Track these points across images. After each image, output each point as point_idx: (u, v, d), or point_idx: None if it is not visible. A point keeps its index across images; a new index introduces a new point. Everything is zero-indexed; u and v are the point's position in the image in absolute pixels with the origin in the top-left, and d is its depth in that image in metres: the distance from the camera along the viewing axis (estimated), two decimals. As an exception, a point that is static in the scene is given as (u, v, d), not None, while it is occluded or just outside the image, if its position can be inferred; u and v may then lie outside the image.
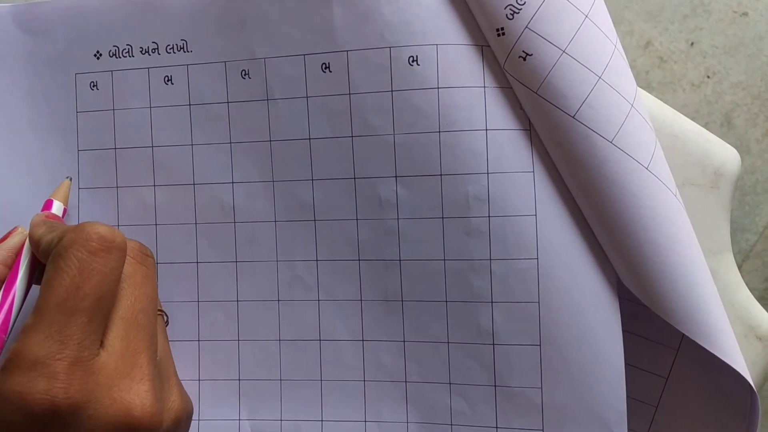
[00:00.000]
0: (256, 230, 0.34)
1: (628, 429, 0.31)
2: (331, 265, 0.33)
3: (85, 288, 0.27)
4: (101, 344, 0.27)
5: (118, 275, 0.28)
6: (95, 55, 0.35)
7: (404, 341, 0.33)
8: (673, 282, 0.30)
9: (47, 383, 0.25)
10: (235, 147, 0.33)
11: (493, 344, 0.32)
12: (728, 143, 0.35)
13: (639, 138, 0.30)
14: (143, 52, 0.34)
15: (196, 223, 0.34)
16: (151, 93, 0.34)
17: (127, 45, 0.34)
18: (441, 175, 0.31)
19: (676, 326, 0.30)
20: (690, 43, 0.39)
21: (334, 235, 0.33)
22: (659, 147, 0.31)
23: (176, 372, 0.32)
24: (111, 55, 0.34)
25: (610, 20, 0.31)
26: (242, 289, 0.34)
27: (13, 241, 0.31)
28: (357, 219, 0.33)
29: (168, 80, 0.34)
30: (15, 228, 0.32)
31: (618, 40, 0.31)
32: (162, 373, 0.30)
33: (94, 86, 0.35)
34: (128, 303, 0.29)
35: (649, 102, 0.34)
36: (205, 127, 0.34)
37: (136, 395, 0.27)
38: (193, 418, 0.33)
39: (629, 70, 0.31)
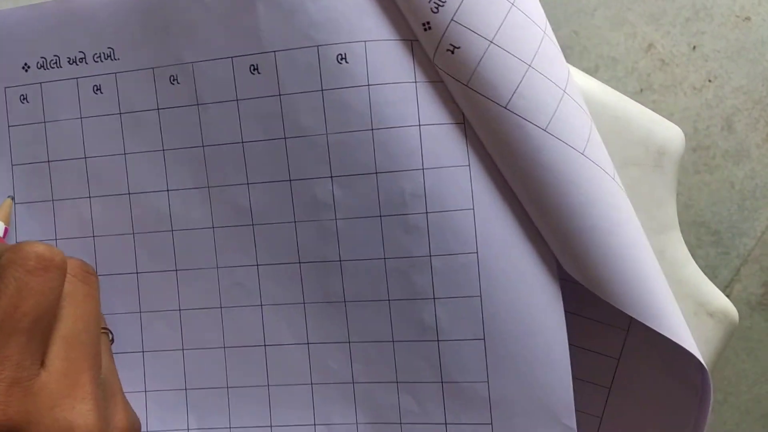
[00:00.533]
0: (194, 237, 0.33)
1: (583, 412, 0.31)
2: (272, 269, 0.33)
3: (23, 308, 0.26)
4: (42, 364, 0.27)
5: (57, 294, 0.28)
6: (23, 68, 0.34)
7: (349, 342, 0.32)
8: (615, 266, 0.30)
9: None
10: (167, 154, 0.33)
11: (438, 340, 0.31)
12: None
13: (573, 123, 0.30)
14: (71, 62, 0.33)
15: (133, 233, 0.33)
16: (81, 103, 0.33)
17: (55, 56, 0.34)
18: (376, 173, 0.31)
19: (622, 309, 0.30)
20: (692, 46, 0.39)
21: (272, 239, 0.32)
22: (595, 130, 0.31)
23: (122, 390, 0.32)
24: (39, 66, 0.34)
25: (539, 5, 0.31)
26: (183, 298, 0.33)
27: None
28: (295, 221, 0.32)
29: (97, 89, 0.33)
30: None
31: (548, 25, 0.31)
32: (106, 391, 0.30)
33: (24, 99, 0.34)
34: (69, 322, 0.28)
35: (591, 84, 0.34)
36: (137, 135, 0.33)
37: (78, 415, 0.27)
38: (141, 431, 0.33)
39: (560, 54, 0.31)
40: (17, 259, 0.27)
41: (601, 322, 0.34)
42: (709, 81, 0.40)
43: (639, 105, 0.35)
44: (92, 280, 0.30)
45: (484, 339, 0.31)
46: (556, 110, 0.29)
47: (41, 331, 0.27)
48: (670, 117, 0.34)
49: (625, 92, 0.35)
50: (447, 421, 0.32)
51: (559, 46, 0.31)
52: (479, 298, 0.31)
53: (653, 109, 0.35)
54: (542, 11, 0.31)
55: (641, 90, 0.39)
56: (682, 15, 0.39)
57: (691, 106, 0.37)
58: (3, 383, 0.25)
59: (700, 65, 0.40)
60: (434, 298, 0.31)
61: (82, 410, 0.27)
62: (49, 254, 0.27)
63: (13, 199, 0.34)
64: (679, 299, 0.32)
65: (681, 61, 0.39)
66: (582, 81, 0.34)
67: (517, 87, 0.29)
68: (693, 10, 0.39)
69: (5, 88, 0.34)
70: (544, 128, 0.29)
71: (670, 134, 0.35)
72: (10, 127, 0.34)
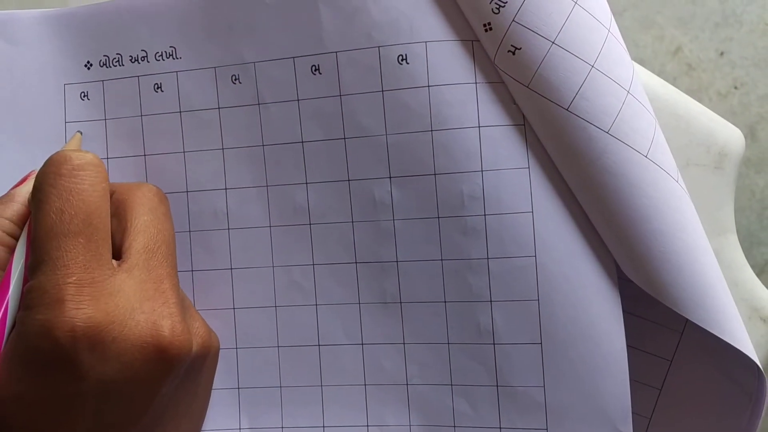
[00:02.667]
0: (250, 236, 0.33)
1: (632, 413, 0.30)
2: (328, 269, 0.33)
3: (68, 210, 0.27)
4: (120, 267, 0.27)
5: (101, 190, 0.28)
6: (85, 65, 0.34)
7: (404, 344, 0.32)
8: (678, 270, 0.29)
9: (62, 307, 0.25)
10: (227, 153, 0.33)
11: (494, 344, 0.31)
12: (751, 155, 0.35)
13: (637, 125, 0.29)
14: (133, 60, 0.34)
15: (190, 231, 0.34)
16: (142, 101, 0.34)
17: (117, 54, 0.34)
18: (435, 174, 0.31)
19: (684, 315, 0.29)
20: (720, 52, 0.39)
21: (329, 239, 0.32)
22: (659, 131, 0.30)
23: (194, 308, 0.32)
24: (101, 64, 0.34)
25: (605, 1, 0.31)
26: (238, 296, 0.33)
27: (31, 184, 0.30)
28: (352, 221, 0.32)
29: (158, 88, 0.34)
30: (32, 172, 0.31)
31: (613, 22, 0.30)
32: (184, 302, 0.30)
33: (84, 96, 0.34)
34: (153, 232, 0.29)
35: (653, 83, 0.34)
36: (197, 133, 0.33)
37: (161, 317, 0.27)
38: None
39: (626, 53, 0.30)
40: (49, 168, 0.28)
41: (655, 322, 0.33)
42: (735, 88, 0.39)
43: (699, 104, 0.34)
44: (168, 204, 0.31)
45: (541, 343, 0.31)
46: (619, 112, 0.29)
47: (98, 229, 0.27)
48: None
49: (643, 67, 0.34)
50: (501, 426, 0.31)
51: (623, 42, 0.30)
52: (537, 302, 0.30)
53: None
54: (607, 8, 0.30)
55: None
56: (712, 20, 0.39)
57: (715, 112, 0.37)
58: (73, 285, 0.25)
59: (727, 72, 0.39)
60: (491, 301, 0.31)
61: (164, 312, 0.27)
62: (80, 153, 0.28)
63: (81, 133, 0.34)
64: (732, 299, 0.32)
65: (708, 66, 0.39)
66: (643, 77, 0.34)
67: (580, 88, 0.29)
68: (722, 16, 0.39)
69: (64, 84, 0.35)
70: (607, 130, 0.29)
71: (731, 135, 0.34)
72: (67, 123, 0.35)
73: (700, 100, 0.38)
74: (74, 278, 0.26)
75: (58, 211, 0.26)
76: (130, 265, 0.28)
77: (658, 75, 0.38)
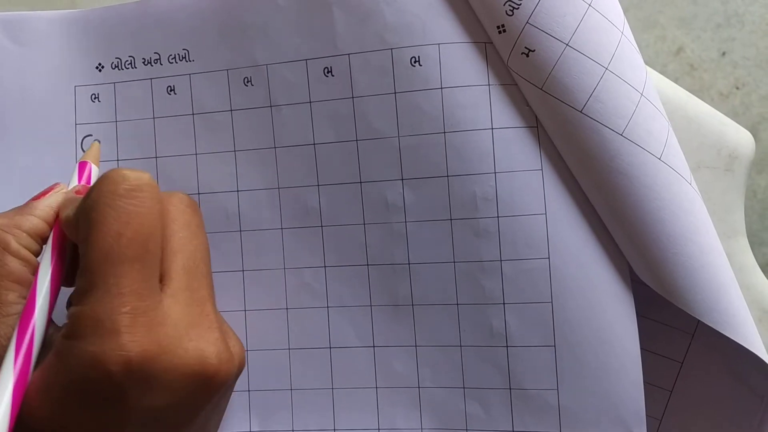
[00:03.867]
0: (262, 238, 0.33)
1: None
2: (339, 271, 0.32)
3: (127, 234, 0.25)
4: (163, 292, 0.26)
5: (156, 213, 0.26)
6: (97, 68, 0.34)
7: (416, 346, 0.32)
8: (691, 273, 0.29)
9: (117, 339, 0.24)
10: (239, 155, 0.33)
11: (507, 346, 0.31)
12: (753, 156, 0.35)
13: (650, 127, 0.29)
14: (146, 63, 0.34)
15: (202, 233, 0.34)
16: (154, 103, 0.34)
17: (130, 56, 0.34)
18: (447, 176, 0.31)
19: (696, 317, 0.29)
20: (721, 52, 0.39)
21: (341, 241, 0.32)
22: (672, 134, 0.30)
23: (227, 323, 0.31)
24: (113, 67, 0.34)
25: (618, 4, 0.30)
26: (250, 298, 0.33)
27: (53, 198, 0.29)
28: (364, 223, 0.32)
29: (171, 90, 0.34)
30: (55, 184, 0.30)
31: (626, 24, 0.30)
32: (222, 323, 0.29)
33: (95, 98, 0.34)
34: (190, 251, 0.28)
35: (663, 85, 0.34)
36: (209, 135, 0.33)
37: (207, 343, 0.26)
38: None
39: (638, 55, 0.30)
40: (106, 186, 0.26)
41: (666, 325, 0.33)
42: (737, 88, 0.39)
43: (710, 107, 0.35)
44: (200, 213, 0.30)
45: (554, 346, 0.30)
46: (633, 114, 0.29)
47: (152, 255, 0.26)
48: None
49: (653, 69, 0.34)
50: (514, 429, 0.31)
51: (636, 45, 0.30)
52: (550, 304, 0.30)
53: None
54: (620, 10, 0.30)
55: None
56: (714, 20, 0.39)
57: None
58: (129, 315, 0.24)
59: (729, 72, 0.39)
60: (504, 304, 0.31)
61: (210, 339, 0.27)
62: (137, 174, 0.26)
63: (100, 143, 0.34)
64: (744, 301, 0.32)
65: (710, 66, 0.39)
66: (654, 80, 0.34)
67: (594, 91, 0.29)
68: (724, 16, 0.39)
69: (75, 86, 0.35)
70: (620, 133, 0.29)
71: (742, 138, 0.34)
72: (77, 125, 0.35)
73: (701, 101, 0.39)
74: (129, 308, 0.24)
75: (116, 235, 0.25)
76: (173, 289, 0.26)
77: (640, 55, 0.38)
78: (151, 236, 0.26)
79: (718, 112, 0.34)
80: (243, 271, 0.33)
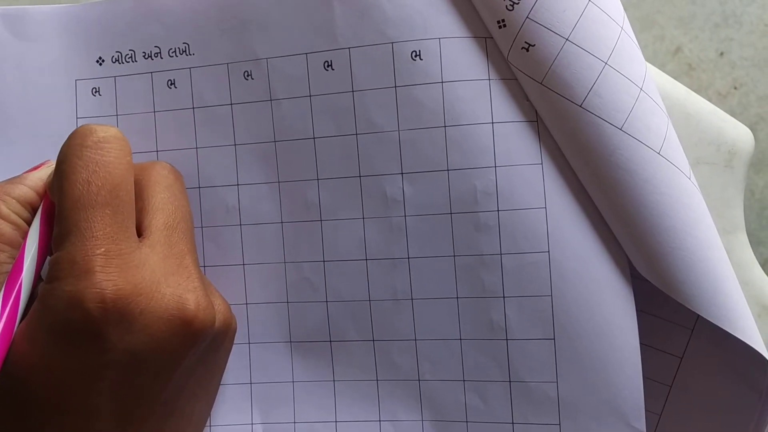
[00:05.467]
0: (262, 232, 0.33)
1: (642, 408, 0.31)
2: (339, 266, 0.33)
3: (96, 181, 0.27)
4: (143, 243, 0.27)
5: (125, 164, 0.28)
6: (97, 61, 0.34)
7: (415, 340, 0.32)
8: (690, 267, 0.29)
9: (92, 278, 0.25)
10: (239, 149, 0.33)
11: (507, 339, 0.31)
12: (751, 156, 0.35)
13: (650, 122, 0.30)
14: (146, 56, 0.34)
15: (202, 227, 0.34)
16: (155, 97, 0.34)
17: (130, 50, 0.34)
18: (448, 170, 0.31)
19: (695, 311, 0.29)
20: (720, 52, 0.39)
21: (340, 235, 0.33)
22: (671, 128, 0.30)
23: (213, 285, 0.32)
24: (114, 60, 0.34)
25: None
26: (250, 292, 0.34)
27: (44, 171, 0.31)
28: (363, 218, 0.32)
29: (171, 84, 0.34)
30: (47, 161, 0.32)
31: (626, 19, 0.30)
32: (204, 279, 0.30)
33: (96, 92, 0.34)
34: (171, 209, 0.29)
35: (662, 81, 0.34)
36: (209, 129, 0.33)
37: (186, 290, 0.27)
38: (205, 424, 0.33)
39: (638, 50, 0.30)
40: (75, 140, 0.28)
41: (666, 320, 0.33)
42: (735, 88, 0.39)
43: (709, 103, 0.35)
44: (183, 181, 0.32)
45: (554, 339, 0.31)
46: (632, 109, 0.29)
47: (124, 202, 0.27)
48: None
49: (652, 65, 0.34)
50: (514, 421, 0.31)
51: (635, 40, 0.30)
52: (550, 297, 0.31)
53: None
54: (620, 5, 0.30)
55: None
56: (712, 20, 0.39)
57: None
58: (103, 256, 0.26)
59: (727, 72, 0.39)
60: (504, 297, 0.31)
61: (188, 287, 0.28)
62: (104, 127, 0.28)
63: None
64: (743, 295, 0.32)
65: (708, 66, 0.39)
66: (653, 76, 0.34)
67: (593, 85, 0.29)
68: (722, 17, 0.39)
69: (76, 80, 0.35)
70: (620, 127, 0.29)
71: (741, 134, 0.34)
72: (78, 119, 0.35)
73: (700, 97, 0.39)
74: (102, 249, 0.26)
75: (85, 182, 0.27)
76: (152, 241, 0.28)
77: (639, 49, 0.38)
78: (120, 185, 0.27)
79: (717, 108, 0.34)
80: (243, 264, 0.34)
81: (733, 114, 0.39)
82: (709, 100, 0.39)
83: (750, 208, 0.41)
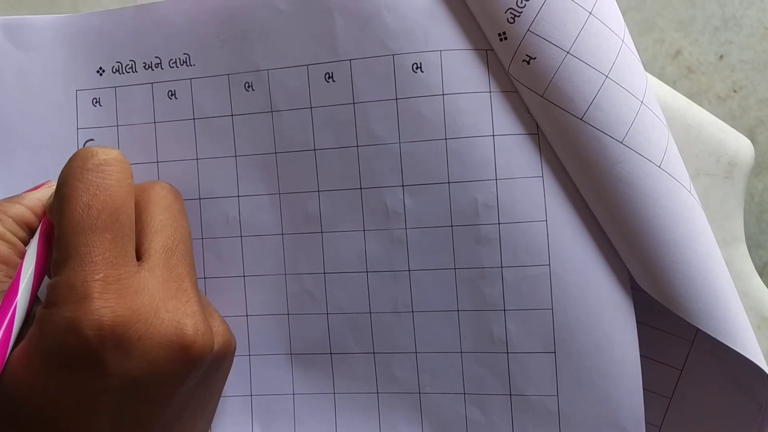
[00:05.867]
0: (263, 243, 0.33)
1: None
2: (339, 278, 0.33)
3: (96, 205, 0.27)
4: (142, 266, 0.27)
5: (126, 186, 0.28)
6: (98, 71, 0.34)
7: (416, 353, 0.32)
8: (691, 281, 0.29)
9: (90, 305, 0.25)
10: (240, 160, 0.33)
11: (507, 353, 0.31)
12: None
13: (650, 135, 0.29)
14: (146, 67, 0.34)
15: (202, 238, 0.34)
16: (155, 108, 0.34)
17: (131, 61, 0.34)
18: (449, 182, 0.31)
19: (695, 325, 0.29)
20: (719, 55, 0.39)
21: (341, 247, 0.32)
22: (672, 141, 0.30)
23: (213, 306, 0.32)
24: (114, 71, 0.34)
25: (618, 11, 0.30)
26: (251, 304, 0.33)
27: (43, 192, 0.31)
28: (364, 230, 0.32)
29: (172, 95, 0.34)
30: (48, 181, 0.32)
31: (626, 32, 0.30)
32: (203, 300, 0.30)
33: (96, 102, 0.34)
34: (170, 231, 0.29)
35: (663, 92, 0.34)
36: (210, 140, 0.33)
37: (185, 315, 0.27)
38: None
39: (639, 63, 0.30)
40: (76, 163, 0.28)
41: (666, 332, 0.33)
42: (734, 91, 0.39)
43: (710, 114, 0.35)
44: (183, 200, 0.32)
45: (554, 352, 0.31)
46: (633, 122, 0.29)
47: (124, 226, 0.27)
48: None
49: (653, 77, 0.34)
50: (514, 435, 0.31)
51: (637, 53, 0.30)
52: (551, 311, 0.30)
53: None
54: (621, 17, 0.30)
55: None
56: (711, 24, 0.39)
57: (715, 115, 0.37)
58: (100, 282, 0.25)
59: (726, 75, 0.39)
60: (504, 310, 0.31)
61: (187, 311, 0.27)
62: (105, 150, 0.28)
63: (93, 141, 0.35)
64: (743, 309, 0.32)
65: (707, 69, 0.39)
66: (654, 87, 0.34)
67: (594, 98, 0.29)
68: (722, 20, 0.39)
69: (76, 90, 0.35)
70: (621, 140, 0.29)
71: (741, 145, 0.34)
72: (79, 129, 0.34)
73: (699, 104, 0.39)
74: (101, 275, 0.26)
75: (86, 206, 0.26)
76: (151, 264, 0.28)
77: (658, 78, 0.38)
78: (120, 208, 0.27)
79: (717, 119, 0.34)
80: (244, 276, 0.33)
81: (732, 117, 0.39)
82: (709, 103, 0.39)
83: (749, 212, 0.41)
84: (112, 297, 0.25)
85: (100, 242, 0.26)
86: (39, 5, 0.38)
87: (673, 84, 0.40)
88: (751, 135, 0.40)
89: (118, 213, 0.27)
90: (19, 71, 0.35)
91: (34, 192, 0.31)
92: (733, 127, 0.35)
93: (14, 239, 0.29)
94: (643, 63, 0.31)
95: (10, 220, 0.29)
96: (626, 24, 0.31)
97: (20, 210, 0.29)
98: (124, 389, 0.26)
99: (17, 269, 0.28)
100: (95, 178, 0.27)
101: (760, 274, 0.41)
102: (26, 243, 0.29)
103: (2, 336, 0.26)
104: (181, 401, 0.28)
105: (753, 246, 0.41)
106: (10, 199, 0.30)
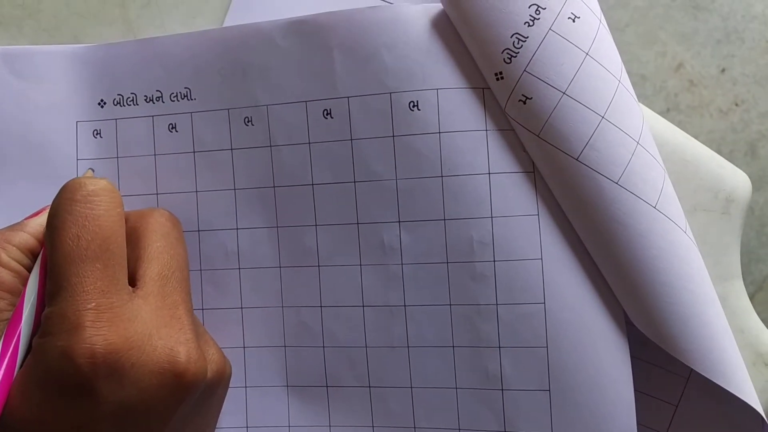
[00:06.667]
0: (260, 276, 0.33)
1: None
2: (335, 312, 0.33)
3: (85, 236, 0.27)
4: (135, 294, 0.28)
5: (116, 215, 0.28)
6: (99, 104, 0.35)
7: (411, 387, 0.32)
8: (685, 322, 0.29)
9: (82, 333, 0.25)
10: (239, 193, 0.33)
11: (502, 389, 0.31)
12: (751, 173, 0.35)
13: (646, 176, 0.30)
14: (147, 100, 0.34)
15: (201, 270, 0.34)
16: (156, 141, 0.34)
17: (132, 93, 0.34)
18: (444, 219, 0.31)
19: (689, 365, 0.29)
20: (721, 69, 0.39)
21: (337, 281, 0.33)
22: (668, 182, 0.30)
23: (207, 332, 0.32)
24: (115, 103, 0.35)
25: (616, 51, 0.31)
26: (248, 335, 0.34)
27: (44, 217, 0.31)
28: (361, 264, 0.32)
29: (172, 128, 0.34)
30: (47, 207, 0.31)
31: (624, 72, 0.31)
32: (198, 328, 0.30)
33: (97, 134, 0.35)
34: (167, 258, 0.30)
35: (661, 126, 0.34)
36: (210, 173, 0.34)
37: (177, 342, 0.27)
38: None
39: (636, 103, 0.31)
40: (65, 195, 0.28)
41: (661, 367, 0.33)
42: (736, 105, 0.39)
43: (707, 149, 0.35)
44: (181, 228, 0.32)
45: (549, 390, 0.31)
46: (629, 163, 0.29)
47: (114, 255, 0.27)
48: (694, 138, 0.34)
49: (652, 111, 0.34)
50: (508, 472, 0.31)
51: (633, 92, 0.31)
52: (545, 348, 0.31)
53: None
54: (618, 57, 0.31)
55: (668, 110, 0.39)
56: (714, 37, 0.39)
57: (716, 128, 0.37)
58: (92, 311, 0.26)
59: (728, 88, 0.39)
60: (500, 347, 0.31)
61: (180, 339, 0.28)
62: (93, 180, 0.28)
63: (93, 171, 0.35)
64: (739, 349, 0.32)
65: (709, 83, 0.39)
66: (651, 121, 0.34)
67: (590, 139, 0.29)
68: (724, 33, 0.39)
69: (77, 122, 0.35)
70: (616, 181, 0.29)
71: (738, 181, 0.34)
72: (79, 161, 0.35)
73: (701, 117, 0.39)
74: (93, 304, 0.26)
75: (75, 237, 0.27)
76: (145, 292, 0.28)
77: (660, 91, 0.38)
78: (110, 237, 0.27)
79: (715, 154, 0.34)
80: (242, 308, 0.34)
81: (734, 131, 0.39)
82: (711, 116, 0.39)
83: (750, 226, 0.41)
84: (105, 325, 0.26)
85: (91, 272, 0.27)
86: (38, 36, 0.38)
87: (674, 97, 0.40)
88: (752, 149, 0.40)
89: (108, 242, 0.27)
90: (20, 101, 0.35)
91: (35, 218, 0.31)
92: (734, 140, 0.35)
93: (19, 267, 0.29)
94: (644, 76, 0.31)
95: (14, 248, 0.29)
96: (628, 36, 0.31)
97: (23, 237, 0.30)
98: (118, 417, 0.26)
99: (21, 297, 0.28)
100: (84, 209, 0.28)
101: (759, 289, 0.41)
102: (30, 270, 0.29)
103: (7, 365, 0.26)
104: (175, 429, 0.28)
105: (753, 260, 0.41)
106: (13, 227, 0.30)
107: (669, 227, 0.29)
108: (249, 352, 0.34)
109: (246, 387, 0.34)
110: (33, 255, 0.30)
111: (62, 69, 0.35)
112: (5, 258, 0.29)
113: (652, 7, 0.39)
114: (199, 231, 0.34)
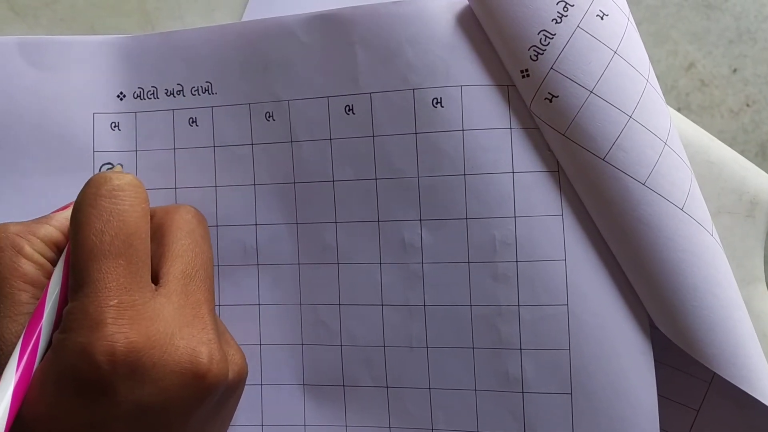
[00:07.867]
0: (279, 273, 0.33)
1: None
2: (354, 310, 0.32)
3: (109, 231, 0.27)
4: (158, 292, 0.27)
5: (141, 211, 0.28)
6: (118, 96, 0.34)
7: (430, 388, 0.32)
8: (710, 326, 0.29)
9: (103, 331, 0.25)
10: (258, 189, 0.33)
11: (523, 392, 0.31)
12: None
13: (673, 177, 0.29)
14: (168, 93, 0.34)
15: (218, 265, 0.34)
16: (176, 134, 0.34)
17: (153, 87, 0.34)
18: (467, 218, 0.31)
19: (714, 370, 0.29)
20: (733, 69, 0.39)
21: (356, 279, 0.32)
22: (695, 183, 0.30)
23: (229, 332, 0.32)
24: (135, 96, 0.34)
25: (643, 50, 0.30)
26: (265, 332, 0.33)
27: (70, 211, 0.30)
28: (381, 263, 0.32)
29: (192, 122, 0.34)
30: (73, 201, 0.32)
31: (651, 71, 0.30)
32: (219, 327, 0.30)
33: (115, 126, 0.34)
34: (191, 256, 0.29)
35: (685, 127, 0.34)
36: (229, 168, 0.33)
37: (199, 343, 0.27)
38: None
39: (663, 103, 0.30)
40: (89, 189, 0.28)
41: (683, 371, 0.33)
42: (747, 105, 0.39)
43: (732, 150, 0.34)
44: (207, 225, 0.32)
45: (570, 393, 0.30)
46: (656, 163, 0.29)
47: (137, 251, 0.27)
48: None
49: (675, 111, 0.34)
50: (528, 475, 0.31)
51: (661, 92, 0.30)
52: (568, 351, 0.30)
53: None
54: (646, 56, 0.30)
55: (679, 109, 0.38)
56: (726, 36, 0.39)
57: (727, 129, 0.36)
58: (114, 308, 0.25)
59: (740, 89, 0.39)
60: (521, 349, 0.31)
61: (203, 339, 0.27)
62: (119, 176, 0.28)
63: (122, 166, 0.34)
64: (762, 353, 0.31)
65: (721, 82, 0.39)
66: (676, 122, 0.33)
67: (617, 139, 0.29)
68: (737, 33, 0.39)
69: (93, 113, 0.35)
70: (643, 182, 0.29)
71: (763, 183, 0.34)
72: (96, 153, 0.34)
73: (712, 117, 0.38)
74: (115, 301, 0.26)
75: (99, 233, 0.26)
76: (168, 290, 0.28)
77: (671, 90, 0.38)
78: (134, 234, 0.27)
79: (739, 156, 0.34)
80: (259, 305, 0.33)
81: (745, 131, 0.38)
82: (722, 116, 0.39)
83: None
84: (126, 323, 0.25)
85: (114, 268, 0.26)
86: (55, 26, 0.38)
87: (686, 96, 0.39)
88: (763, 149, 0.39)
89: (132, 238, 0.27)
90: (36, 91, 0.34)
91: (62, 212, 0.31)
92: (745, 140, 0.35)
93: (42, 260, 0.29)
94: (656, 75, 0.30)
95: (38, 240, 0.29)
96: (640, 35, 0.31)
97: (48, 230, 0.29)
98: (135, 417, 0.26)
99: (44, 290, 0.28)
100: (108, 204, 0.27)
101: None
102: (55, 263, 0.29)
103: (27, 359, 0.26)
104: (194, 430, 0.28)
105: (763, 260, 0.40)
106: (39, 220, 0.30)
107: (696, 230, 0.29)
108: (265, 350, 0.33)
109: (262, 384, 0.33)
110: (58, 248, 0.30)
111: (79, 60, 0.35)
112: (29, 250, 0.29)
113: (664, 6, 0.39)
114: (217, 226, 0.34)
